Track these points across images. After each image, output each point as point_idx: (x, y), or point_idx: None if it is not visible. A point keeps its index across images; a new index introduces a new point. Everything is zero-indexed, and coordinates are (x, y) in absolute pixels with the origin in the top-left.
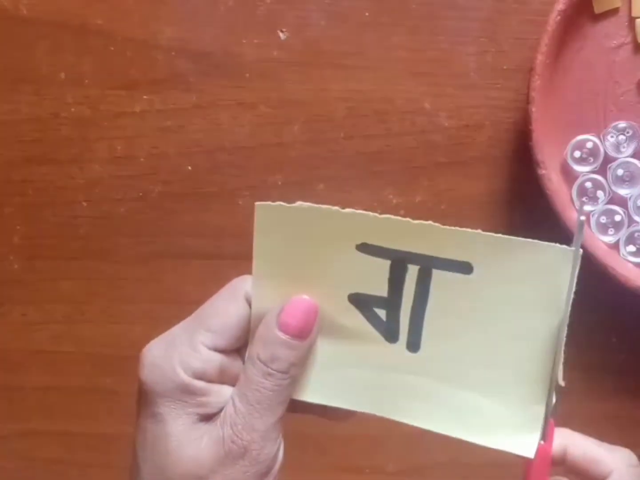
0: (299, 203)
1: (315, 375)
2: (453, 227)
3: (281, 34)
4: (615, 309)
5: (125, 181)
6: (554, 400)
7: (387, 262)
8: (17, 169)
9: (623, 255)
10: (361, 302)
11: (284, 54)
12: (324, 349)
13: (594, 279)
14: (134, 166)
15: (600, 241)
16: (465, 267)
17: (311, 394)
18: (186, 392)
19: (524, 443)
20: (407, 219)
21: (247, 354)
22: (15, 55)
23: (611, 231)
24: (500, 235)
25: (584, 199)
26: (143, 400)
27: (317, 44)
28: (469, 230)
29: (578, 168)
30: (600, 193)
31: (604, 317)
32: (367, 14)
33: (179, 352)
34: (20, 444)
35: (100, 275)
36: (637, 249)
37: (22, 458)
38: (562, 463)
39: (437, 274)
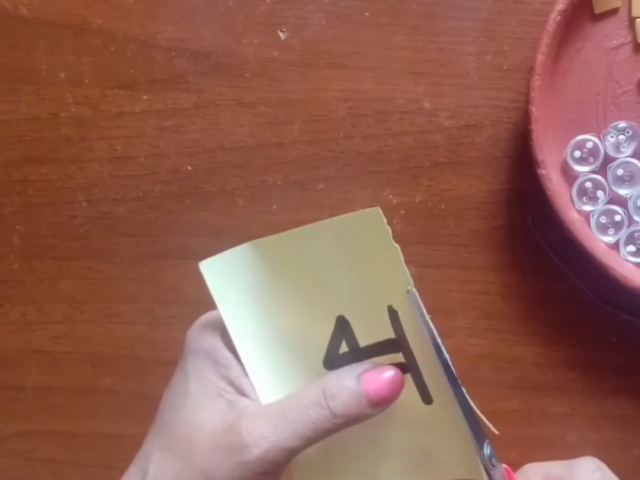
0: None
1: None
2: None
3: (281, 34)
4: (615, 309)
5: (125, 181)
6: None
7: (392, 332)
8: (17, 169)
9: (623, 255)
10: (343, 327)
11: (284, 54)
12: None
13: (594, 279)
14: (133, 166)
15: (600, 241)
16: (428, 398)
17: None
18: (213, 357)
19: None
20: (436, 331)
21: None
22: (15, 55)
23: (611, 231)
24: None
25: (584, 198)
26: (181, 355)
27: (317, 44)
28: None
29: (578, 168)
30: (600, 193)
31: (604, 317)
32: (367, 14)
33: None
34: (20, 444)
35: (100, 275)
36: (637, 249)
37: (22, 458)
38: None
39: (407, 378)
